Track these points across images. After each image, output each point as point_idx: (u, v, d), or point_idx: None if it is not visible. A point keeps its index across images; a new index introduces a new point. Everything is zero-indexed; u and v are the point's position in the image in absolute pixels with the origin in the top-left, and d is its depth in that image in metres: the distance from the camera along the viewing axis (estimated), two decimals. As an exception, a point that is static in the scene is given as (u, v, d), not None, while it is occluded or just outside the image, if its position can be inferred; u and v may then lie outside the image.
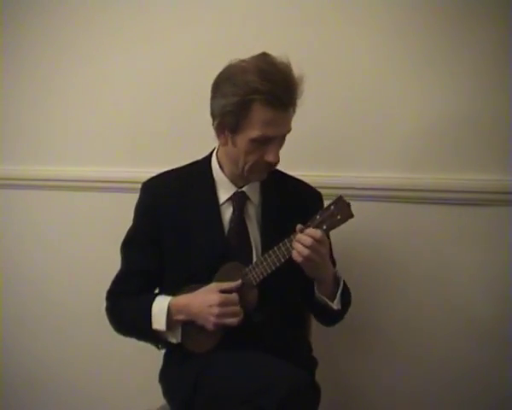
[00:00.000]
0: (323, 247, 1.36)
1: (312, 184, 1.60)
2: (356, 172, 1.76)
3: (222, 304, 1.37)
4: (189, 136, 1.93)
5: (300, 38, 1.78)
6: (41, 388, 2.26)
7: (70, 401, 2.22)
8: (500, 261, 1.68)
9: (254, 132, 1.34)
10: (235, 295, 1.38)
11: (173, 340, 1.45)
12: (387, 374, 1.83)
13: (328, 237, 1.50)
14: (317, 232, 1.34)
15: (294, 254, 1.35)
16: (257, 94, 1.31)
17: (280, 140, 1.39)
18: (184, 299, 1.43)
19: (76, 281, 2.15)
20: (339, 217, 1.36)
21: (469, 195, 1.68)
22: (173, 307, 1.42)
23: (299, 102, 1.38)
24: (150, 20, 1.95)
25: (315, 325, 1.67)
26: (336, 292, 1.46)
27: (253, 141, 1.36)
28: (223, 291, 1.39)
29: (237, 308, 1.38)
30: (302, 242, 1.34)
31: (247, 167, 1.41)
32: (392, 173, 1.74)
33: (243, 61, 1.38)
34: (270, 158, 1.38)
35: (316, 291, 1.45)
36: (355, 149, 1.78)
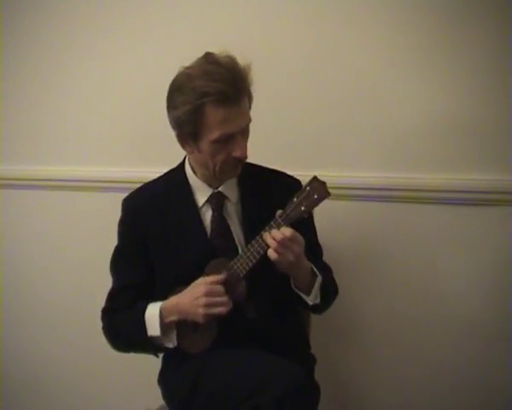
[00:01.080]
0: (296, 245, 1.35)
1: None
2: (355, 172, 1.76)
3: (208, 294, 1.37)
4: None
5: (301, 37, 1.78)
6: (41, 388, 2.27)
7: (70, 401, 2.22)
8: (500, 261, 1.68)
9: (214, 134, 1.35)
10: (220, 286, 1.38)
11: (169, 344, 1.45)
12: (386, 373, 1.83)
13: (312, 219, 1.53)
14: (287, 230, 1.34)
15: (269, 252, 1.35)
16: (206, 97, 1.32)
17: (243, 133, 1.40)
18: (173, 299, 1.44)
19: (76, 281, 2.15)
20: (315, 196, 1.36)
21: (469, 195, 1.68)
22: (164, 310, 1.43)
23: (252, 89, 1.38)
24: (151, 19, 1.95)
25: (313, 324, 1.68)
26: (313, 286, 1.45)
27: (216, 142, 1.36)
28: (208, 283, 1.39)
29: (224, 298, 1.38)
30: (274, 237, 1.34)
31: (217, 168, 1.42)
32: (392, 173, 1.74)
33: (188, 67, 1.39)
34: (237, 153, 1.38)
35: (292, 285, 1.45)
36: (355, 149, 1.77)
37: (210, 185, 1.49)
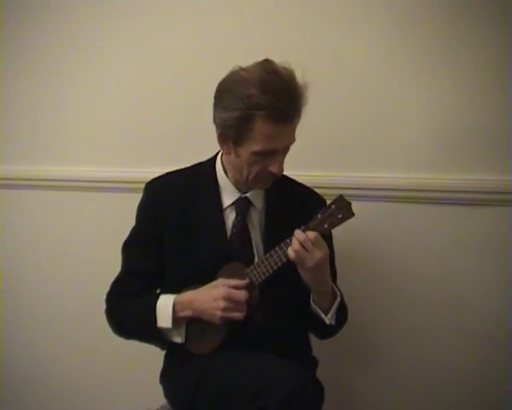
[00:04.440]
0: (318, 250, 1.34)
1: (315, 184, 1.60)
2: (358, 173, 1.76)
3: (227, 298, 1.36)
4: (189, 136, 1.93)
5: (304, 38, 1.78)
6: (41, 388, 2.26)
7: (70, 401, 2.22)
8: (500, 261, 1.68)
9: (257, 146, 1.33)
10: (243, 292, 1.37)
11: (178, 339, 1.44)
12: (388, 374, 1.83)
13: (331, 241, 1.50)
14: (312, 233, 1.34)
15: (289, 250, 1.35)
16: (258, 109, 1.28)
17: (284, 151, 1.38)
18: (189, 295, 1.42)
19: (76, 281, 2.15)
20: (340, 216, 1.36)
21: (469, 195, 1.68)
22: (178, 304, 1.42)
23: (304, 109, 1.35)
24: (150, 19, 1.95)
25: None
26: (331, 308, 1.44)
27: (256, 154, 1.34)
28: (229, 287, 1.38)
29: (243, 304, 1.37)
30: (297, 237, 1.34)
31: (251, 177, 1.40)
32: (392, 173, 1.74)
33: (244, 69, 1.35)
34: (273, 169, 1.37)
35: (311, 301, 1.44)
36: (357, 149, 1.78)
37: (238, 189, 1.47)
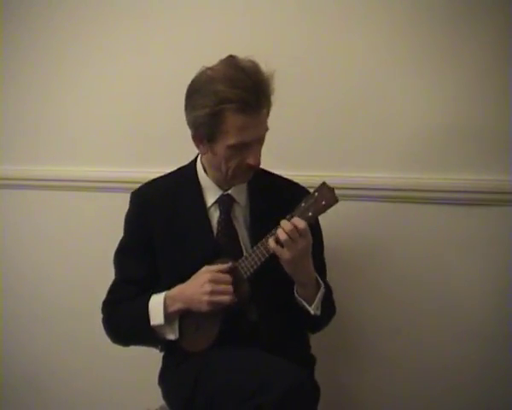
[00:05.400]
0: (303, 240, 1.35)
1: (312, 185, 1.59)
2: (356, 173, 1.76)
3: (213, 281, 1.37)
4: (189, 137, 1.92)
5: (303, 37, 1.78)
6: (41, 387, 2.27)
7: (70, 400, 2.22)
8: (500, 261, 1.68)
9: (230, 140, 1.35)
10: (227, 275, 1.39)
11: (171, 336, 1.45)
12: (386, 373, 1.83)
13: (320, 233, 1.52)
14: (301, 222, 1.34)
15: (269, 240, 1.35)
16: (227, 103, 1.31)
17: (259, 141, 1.40)
18: (178, 288, 1.44)
19: (76, 281, 2.15)
20: (323, 202, 1.36)
21: (469, 195, 1.68)
22: (169, 298, 1.43)
23: (272, 98, 1.37)
24: (151, 19, 1.95)
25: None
26: (316, 297, 1.45)
27: (231, 148, 1.36)
28: (213, 271, 1.39)
29: (229, 287, 1.38)
30: (282, 226, 1.34)
31: (229, 173, 1.41)
32: (392, 173, 1.74)
33: (210, 68, 1.38)
34: (251, 161, 1.38)
35: (295, 292, 1.45)
36: (355, 149, 1.78)
37: (220, 187, 1.49)
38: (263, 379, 1.27)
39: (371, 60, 1.73)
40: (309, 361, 1.54)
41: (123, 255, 1.55)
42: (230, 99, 1.30)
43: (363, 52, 1.74)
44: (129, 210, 1.55)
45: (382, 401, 1.84)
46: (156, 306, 1.43)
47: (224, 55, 1.84)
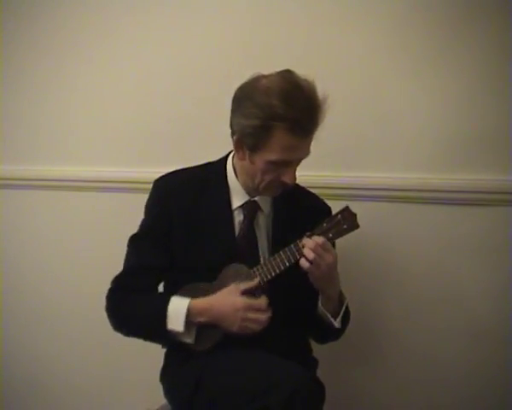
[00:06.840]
0: (329, 254, 1.36)
1: (313, 184, 1.61)
2: (357, 172, 1.76)
3: (248, 309, 1.37)
4: (190, 136, 1.93)
5: (304, 37, 1.78)
6: (41, 387, 2.26)
7: (70, 400, 2.22)
8: (500, 261, 1.68)
9: (273, 155, 1.33)
10: (263, 302, 1.38)
11: (188, 340, 1.42)
12: (388, 374, 1.83)
13: (334, 248, 1.50)
14: (320, 238, 1.36)
15: (302, 261, 1.36)
16: (279, 121, 1.28)
17: (298, 162, 1.39)
18: (205, 301, 1.41)
19: (76, 281, 2.15)
20: (345, 226, 1.39)
21: (469, 195, 1.68)
22: (193, 310, 1.40)
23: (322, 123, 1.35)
24: (150, 20, 1.95)
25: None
26: (339, 311, 1.46)
27: (271, 163, 1.35)
28: (243, 292, 1.39)
29: (263, 317, 1.37)
30: (308, 245, 1.35)
31: (262, 185, 1.41)
32: (392, 173, 1.74)
33: (265, 77, 1.35)
34: (286, 179, 1.38)
35: (319, 305, 1.45)
36: (356, 149, 1.77)
37: (248, 193, 1.48)
38: (268, 380, 1.27)
39: (371, 60, 1.73)
40: (311, 363, 1.54)
41: (142, 240, 1.51)
42: (284, 117, 1.28)
43: (364, 52, 1.73)
44: (150, 196, 1.52)
45: (387, 400, 1.84)
46: (177, 312, 1.40)
47: (224, 55, 1.86)
